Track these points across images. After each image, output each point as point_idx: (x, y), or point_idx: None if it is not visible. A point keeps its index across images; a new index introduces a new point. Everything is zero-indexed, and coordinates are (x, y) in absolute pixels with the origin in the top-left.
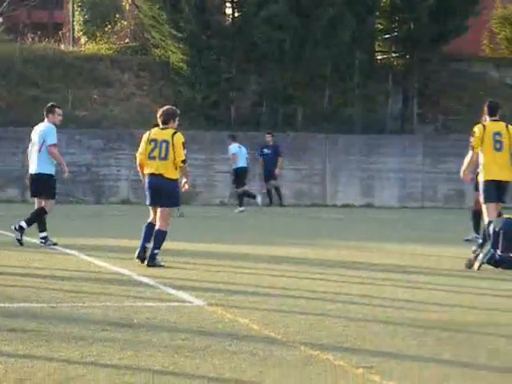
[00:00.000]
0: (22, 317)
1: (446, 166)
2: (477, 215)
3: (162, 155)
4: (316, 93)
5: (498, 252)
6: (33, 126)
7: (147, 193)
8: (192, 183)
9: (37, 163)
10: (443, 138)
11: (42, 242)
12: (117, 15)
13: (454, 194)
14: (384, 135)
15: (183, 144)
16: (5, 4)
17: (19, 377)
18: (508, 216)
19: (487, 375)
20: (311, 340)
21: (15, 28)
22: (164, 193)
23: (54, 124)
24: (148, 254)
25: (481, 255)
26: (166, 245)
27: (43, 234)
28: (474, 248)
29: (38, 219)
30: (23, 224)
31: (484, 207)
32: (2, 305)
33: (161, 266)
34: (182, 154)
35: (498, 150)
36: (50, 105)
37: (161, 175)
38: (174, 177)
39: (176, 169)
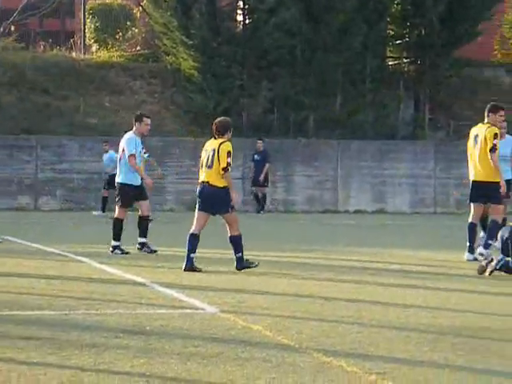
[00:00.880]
0: (35, 324)
1: (458, 172)
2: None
3: (209, 164)
4: (327, 99)
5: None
6: (43, 134)
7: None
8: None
9: (118, 172)
10: (455, 144)
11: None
12: (128, 23)
13: (466, 199)
14: (396, 141)
15: (229, 153)
16: (16, 13)
17: None
18: None
19: (502, 381)
20: (324, 346)
21: (27, 36)
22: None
23: (142, 133)
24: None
25: (494, 261)
26: (179, 251)
27: (116, 243)
28: (479, 251)
29: (143, 226)
30: (141, 240)
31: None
32: (16, 312)
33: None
34: (224, 161)
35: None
36: (138, 113)
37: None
38: (219, 184)
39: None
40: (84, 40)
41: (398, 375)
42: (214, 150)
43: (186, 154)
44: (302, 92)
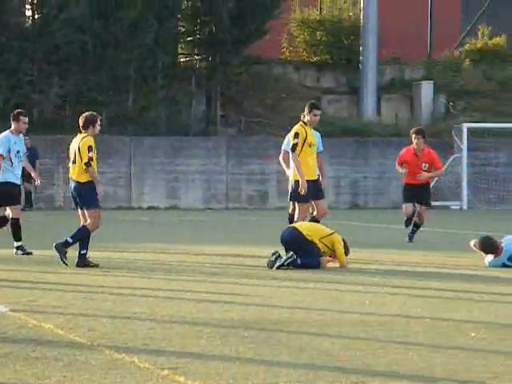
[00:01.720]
0: None
1: (249, 168)
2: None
3: (73, 159)
4: (120, 95)
5: None
6: None
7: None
8: None
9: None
10: (246, 140)
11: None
12: None
13: (257, 194)
14: (188, 137)
15: (89, 147)
16: None
17: None
18: None
19: (291, 372)
20: (116, 343)
21: None
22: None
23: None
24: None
25: (283, 257)
26: None
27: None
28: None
29: None
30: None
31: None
32: None
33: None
34: (86, 156)
35: None
36: (15, 112)
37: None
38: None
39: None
40: None
41: (190, 369)
42: (77, 146)
43: None
44: (95, 88)
